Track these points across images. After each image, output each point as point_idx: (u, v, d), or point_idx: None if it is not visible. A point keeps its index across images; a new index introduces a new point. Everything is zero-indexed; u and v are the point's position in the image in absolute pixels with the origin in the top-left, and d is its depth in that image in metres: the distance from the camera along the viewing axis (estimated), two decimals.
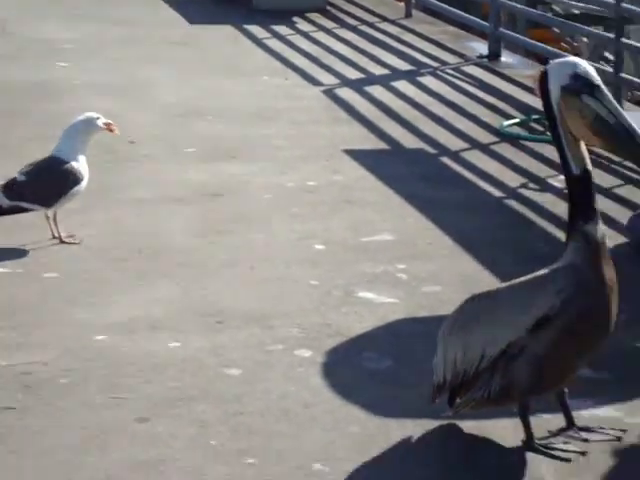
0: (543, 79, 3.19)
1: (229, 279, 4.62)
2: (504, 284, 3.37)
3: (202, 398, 3.59)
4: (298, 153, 6.40)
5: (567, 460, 3.20)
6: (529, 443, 3.26)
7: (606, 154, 5.76)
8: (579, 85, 3.14)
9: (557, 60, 3.26)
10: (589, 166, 3.17)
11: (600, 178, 5.82)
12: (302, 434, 3.38)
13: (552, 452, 3.22)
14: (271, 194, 5.69)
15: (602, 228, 3.18)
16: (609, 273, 3.18)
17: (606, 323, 3.19)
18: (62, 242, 4.91)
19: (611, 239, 4.93)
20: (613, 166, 6.14)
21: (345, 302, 4.39)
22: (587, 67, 3.17)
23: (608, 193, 5.74)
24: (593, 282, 3.15)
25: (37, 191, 4.84)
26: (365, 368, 3.86)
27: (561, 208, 3.25)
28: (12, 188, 4.84)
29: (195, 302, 4.38)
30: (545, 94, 3.19)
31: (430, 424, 3.43)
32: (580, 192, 3.17)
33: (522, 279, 3.26)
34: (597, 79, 3.13)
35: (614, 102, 3.14)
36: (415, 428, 3.41)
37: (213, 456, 3.25)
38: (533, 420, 3.29)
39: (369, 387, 3.71)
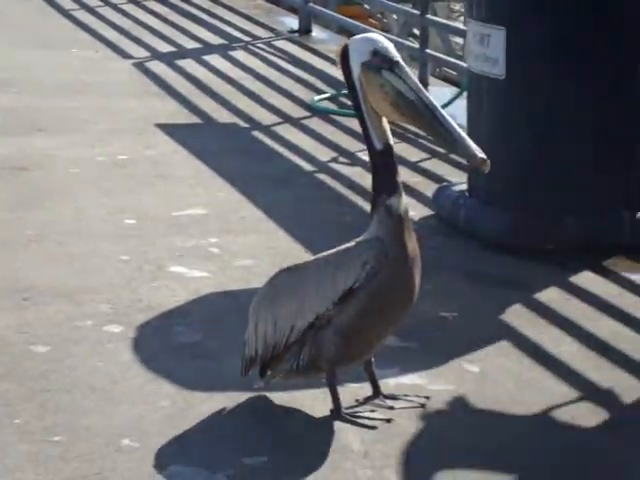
0: (344, 55, 3.23)
1: (36, 255, 4.52)
2: (312, 257, 3.41)
3: (6, 376, 3.50)
4: (108, 127, 6.31)
5: (373, 428, 3.26)
6: (337, 412, 3.30)
7: (413, 128, 5.89)
8: (378, 61, 3.18)
9: (357, 36, 3.29)
10: (391, 141, 3.24)
11: (406, 152, 5.99)
12: (111, 410, 3.33)
13: (359, 420, 3.28)
14: (80, 168, 5.59)
15: (404, 201, 3.24)
16: (412, 245, 3.25)
17: (409, 294, 3.26)
18: None
19: (417, 211, 5.11)
20: (420, 140, 6.29)
21: (156, 277, 4.34)
22: (386, 43, 3.22)
23: (415, 166, 5.88)
24: (396, 254, 3.21)
25: None
26: (176, 342, 3.83)
27: (369, 181, 3.28)
28: None
29: (1, 279, 4.26)
30: (346, 69, 3.23)
31: (240, 397, 3.44)
32: (383, 166, 3.23)
33: (329, 252, 3.30)
34: (396, 55, 3.19)
35: (414, 78, 3.19)
36: (225, 401, 3.41)
37: (18, 435, 3.17)
38: (341, 390, 3.33)
39: (180, 361, 3.68)
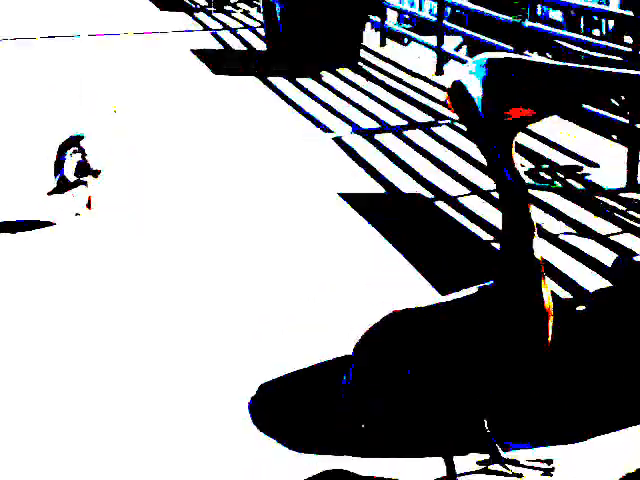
0: (459, 88, 2.84)
1: None
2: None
3: None
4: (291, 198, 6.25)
5: None
6: None
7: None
8: (500, 68, 2.80)
9: (462, 69, 2.95)
10: (523, 176, 2.88)
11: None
12: None
13: None
14: None
15: (538, 245, 2.91)
16: (547, 295, 2.91)
17: (539, 345, 2.92)
18: None
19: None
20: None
21: None
22: (501, 53, 2.88)
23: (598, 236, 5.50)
24: (528, 302, 2.88)
25: None
26: None
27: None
28: None
29: None
30: (465, 105, 2.83)
31: None
32: (516, 203, 2.85)
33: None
34: (512, 55, 2.84)
35: (541, 58, 2.82)
36: None
37: None
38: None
39: None
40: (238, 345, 4.18)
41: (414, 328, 2.94)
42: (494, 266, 2.89)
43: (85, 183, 5.77)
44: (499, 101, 2.78)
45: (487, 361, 2.85)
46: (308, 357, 4.04)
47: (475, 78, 2.83)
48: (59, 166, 5.73)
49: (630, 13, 6.89)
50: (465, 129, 8.05)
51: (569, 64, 2.76)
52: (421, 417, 2.94)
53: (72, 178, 5.69)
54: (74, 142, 5.79)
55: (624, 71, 2.71)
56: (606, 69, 2.72)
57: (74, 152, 5.73)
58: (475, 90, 2.83)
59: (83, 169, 5.74)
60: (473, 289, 2.97)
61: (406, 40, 13.61)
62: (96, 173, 5.81)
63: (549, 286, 2.96)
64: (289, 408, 3.60)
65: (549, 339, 2.93)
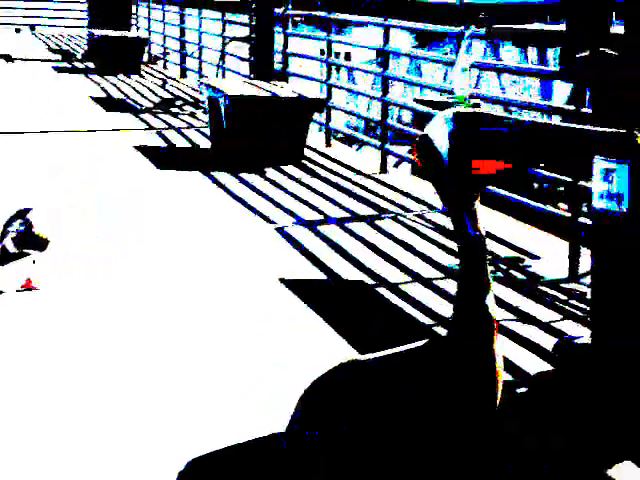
0: (424, 140, 2.81)
1: None
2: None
3: None
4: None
5: None
6: None
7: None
8: (466, 121, 2.77)
9: (434, 118, 2.93)
10: (483, 232, 2.82)
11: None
12: None
13: None
14: None
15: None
16: (500, 358, 2.85)
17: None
18: None
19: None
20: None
21: None
22: (462, 107, 2.87)
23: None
24: (483, 362, 2.81)
25: None
26: None
27: None
28: None
29: None
30: (431, 158, 2.79)
31: None
32: (475, 260, 2.80)
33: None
34: (477, 106, 2.85)
35: (507, 115, 2.82)
36: None
37: None
38: None
39: None
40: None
41: (356, 381, 2.87)
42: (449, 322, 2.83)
43: (28, 255, 5.68)
44: (465, 154, 2.76)
45: (432, 419, 2.77)
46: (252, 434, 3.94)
47: (442, 131, 2.82)
48: (1, 238, 5.64)
49: (571, 107, 7.00)
50: (407, 220, 8.08)
51: (540, 121, 2.76)
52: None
53: (13, 250, 5.60)
54: (21, 214, 5.72)
55: (597, 129, 2.72)
56: (582, 127, 2.72)
57: (20, 224, 5.65)
58: (442, 143, 2.81)
59: (27, 241, 5.65)
60: (423, 343, 2.90)
61: (355, 145, 13.79)
62: (42, 245, 5.72)
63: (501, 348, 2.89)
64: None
65: (498, 400, 2.87)
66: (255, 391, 4.51)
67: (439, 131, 2.81)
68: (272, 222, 7.94)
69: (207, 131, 12.03)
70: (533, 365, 4.95)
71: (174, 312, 5.63)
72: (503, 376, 2.85)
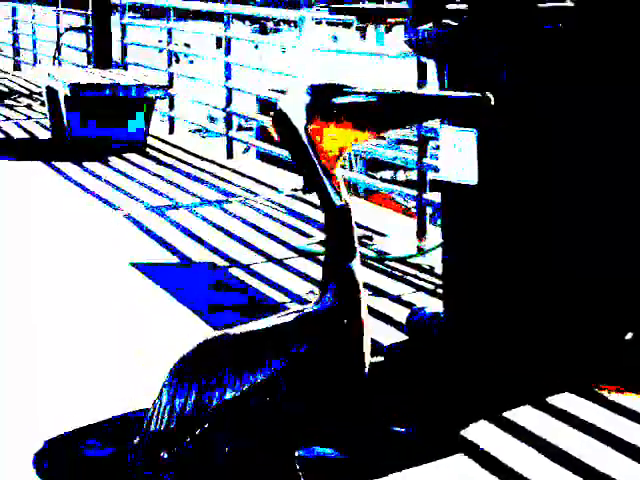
0: (280, 115, 2.83)
1: None
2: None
3: None
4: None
5: None
6: None
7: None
8: (322, 93, 2.80)
9: (288, 91, 2.96)
10: (347, 198, 2.89)
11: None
12: None
13: None
14: None
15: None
16: (366, 317, 2.89)
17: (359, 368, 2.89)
18: None
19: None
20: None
21: None
22: (319, 78, 2.91)
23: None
24: (352, 324, 2.85)
25: None
26: None
27: None
28: None
29: None
30: (287, 131, 2.82)
31: None
32: (341, 227, 2.83)
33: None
34: (334, 79, 2.87)
35: (366, 85, 2.87)
36: None
37: None
38: None
39: None
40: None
41: (222, 353, 2.88)
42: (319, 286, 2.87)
43: None
44: (323, 125, 2.80)
45: (303, 385, 2.81)
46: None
47: (300, 104, 2.84)
48: None
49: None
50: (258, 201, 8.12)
51: (393, 91, 2.83)
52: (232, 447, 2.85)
53: None
54: None
55: (449, 94, 2.80)
56: (433, 93, 2.80)
57: None
58: (298, 117, 2.84)
59: None
60: (292, 313, 2.93)
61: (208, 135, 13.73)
62: None
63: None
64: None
65: (367, 363, 2.93)
66: (116, 379, 4.48)
67: (296, 104, 2.84)
68: (120, 209, 7.85)
69: (46, 122, 11.79)
70: (388, 336, 5.04)
71: (26, 304, 5.53)
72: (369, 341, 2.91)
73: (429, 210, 7.13)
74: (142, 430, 2.96)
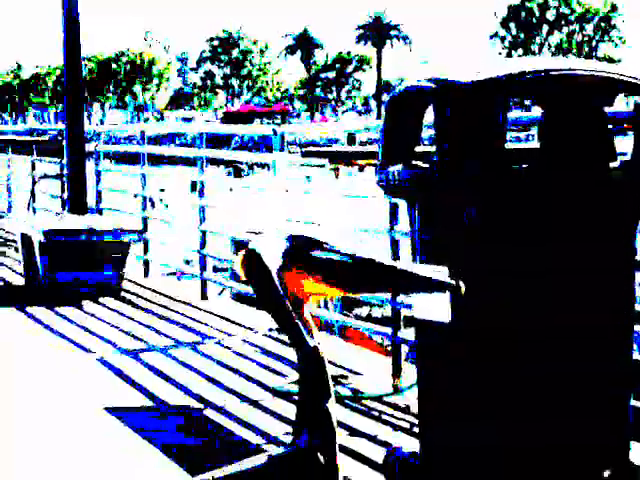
0: (253, 255, 2.82)
1: None
2: None
3: None
4: None
5: None
6: None
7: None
8: (301, 245, 2.85)
9: (262, 235, 2.99)
10: (318, 339, 2.88)
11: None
12: None
13: None
14: None
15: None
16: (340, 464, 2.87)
17: None
18: None
19: None
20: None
21: None
22: (298, 228, 2.95)
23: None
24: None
25: None
26: None
27: None
28: None
29: None
30: (258, 274, 2.82)
31: None
32: (315, 367, 2.82)
33: None
34: (315, 234, 2.91)
35: (342, 245, 2.90)
36: None
37: None
38: None
39: None
40: None
41: None
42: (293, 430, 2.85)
43: None
44: (297, 274, 2.84)
45: None
46: None
47: (276, 248, 2.86)
48: None
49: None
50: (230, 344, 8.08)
51: (372, 258, 2.87)
52: None
53: None
54: None
55: (426, 275, 2.84)
56: (411, 270, 2.84)
57: None
58: (273, 260, 2.85)
59: None
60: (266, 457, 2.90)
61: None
62: None
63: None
64: None
65: None
66: None
67: (273, 248, 2.87)
68: (93, 352, 7.81)
69: (20, 269, 11.81)
70: (366, 477, 4.99)
71: None
72: None
73: (405, 348, 7.12)
74: None
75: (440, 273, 2.85)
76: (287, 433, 5.67)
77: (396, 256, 6.99)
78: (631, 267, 4.66)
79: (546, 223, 4.49)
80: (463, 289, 2.82)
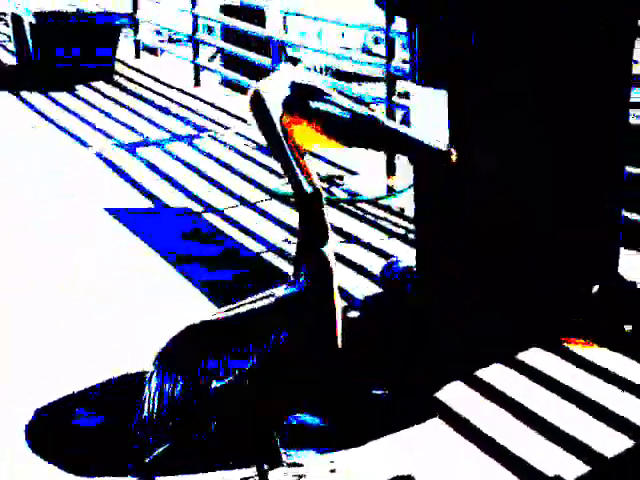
0: (257, 100, 2.93)
1: None
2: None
3: None
4: None
5: None
6: None
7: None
8: (301, 94, 2.91)
9: (270, 77, 3.04)
10: (318, 184, 2.98)
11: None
12: None
13: None
14: None
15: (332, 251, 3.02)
16: (338, 299, 3.01)
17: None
18: None
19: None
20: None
21: None
22: (305, 74, 3.00)
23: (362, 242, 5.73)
24: (324, 307, 2.98)
25: None
26: None
27: None
28: None
29: None
30: (262, 115, 2.93)
31: None
32: (312, 212, 2.97)
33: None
34: (317, 82, 2.96)
35: (344, 98, 2.96)
36: None
37: None
38: None
39: None
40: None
41: (208, 338, 3.00)
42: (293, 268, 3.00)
43: None
44: (295, 119, 2.89)
45: (282, 365, 2.94)
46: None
47: (277, 95, 2.92)
48: None
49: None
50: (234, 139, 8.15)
51: (374, 117, 2.91)
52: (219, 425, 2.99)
53: None
54: None
55: (421, 140, 2.89)
56: (407, 133, 2.88)
57: None
58: (275, 106, 2.92)
59: None
60: (268, 297, 3.04)
61: (161, 52, 13.64)
62: None
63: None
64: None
65: (339, 342, 3.05)
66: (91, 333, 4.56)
67: (275, 93, 2.92)
68: (89, 146, 7.85)
69: (11, 46, 11.67)
70: (361, 288, 5.13)
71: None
72: (341, 317, 3.04)
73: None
74: (137, 411, 3.11)
75: (438, 141, 2.93)
76: (286, 240, 5.80)
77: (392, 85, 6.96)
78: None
79: (545, 40, 4.43)
80: (454, 157, 2.92)
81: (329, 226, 2.99)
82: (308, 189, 2.95)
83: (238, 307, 3.05)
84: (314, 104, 2.91)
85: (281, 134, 2.93)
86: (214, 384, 2.95)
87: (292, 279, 2.99)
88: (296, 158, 2.94)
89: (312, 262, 2.97)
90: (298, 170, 2.95)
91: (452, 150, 2.89)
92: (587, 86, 4.51)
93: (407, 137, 2.92)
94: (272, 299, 2.99)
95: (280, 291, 3.00)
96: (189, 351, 3.04)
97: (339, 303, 3.01)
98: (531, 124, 4.46)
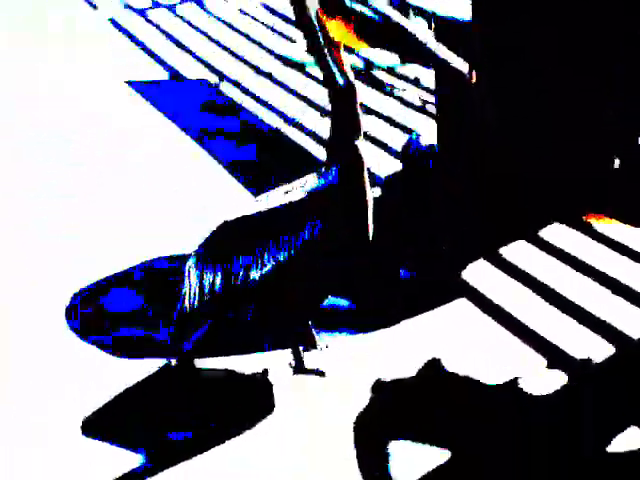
0: None
1: None
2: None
3: None
4: None
5: None
6: None
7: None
8: None
9: None
10: (353, 78, 3.03)
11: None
12: None
13: None
14: None
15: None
16: (369, 191, 3.08)
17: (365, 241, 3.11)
18: None
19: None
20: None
21: None
22: None
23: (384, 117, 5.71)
24: (358, 200, 3.04)
25: None
26: None
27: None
28: None
29: None
30: (301, 5, 2.98)
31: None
32: (346, 106, 3.02)
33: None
34: None
35: (380, 2, 2.97)
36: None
37: None
38: None
39: None
40: None
41: (245, 232, 3.07)
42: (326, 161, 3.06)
43: None
44: (329, 16, 2.93)
45: (318, 256, 3.01)
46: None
47: None
48: None
49: None
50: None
51: (405, 26, 2.91)
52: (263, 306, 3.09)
53: None
54: None
55: (444, 56, 2.89)
56: (431, 47, 2.88)
57: None
58: (312, 2, 2.98)
59: None
60: (299, 189, 3.08)
61: None
62: None
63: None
64: None
65: (371, 230, 3.12)
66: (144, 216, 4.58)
67: None
68: (97, 8, 7.73)
69: None
70: (382, 164, 5.13)
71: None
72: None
73: None
74: (177, 304, 3.20)
75: (460, 61, 2.95)
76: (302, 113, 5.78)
77: None
78: None
79: None
80: (475, 79, 2.95)
81: (362, 121, 3.02)
82: (340, 81, 2.98)
83: (271, 199, 3.10)
84: (347, 2, 2.94)
85: (316, 25, 2.97)
86: (252, 274, 3.02)
87: (323, 170, 3.04)
88: (330, 51, 2.98)
89: (344, 156, 3.01)
90: (331, 61, 2.98)
91: (472, 74, 2.92)
92: (587, 39, 4.44)
93: (433, 55, 2.92)
94: (303, 191, 3.04)
95: (311, 182, 3.05)
96: (227, 244, 3.11)
97: (370, 197, 3.06)
98: (530, 77, 4.43)
